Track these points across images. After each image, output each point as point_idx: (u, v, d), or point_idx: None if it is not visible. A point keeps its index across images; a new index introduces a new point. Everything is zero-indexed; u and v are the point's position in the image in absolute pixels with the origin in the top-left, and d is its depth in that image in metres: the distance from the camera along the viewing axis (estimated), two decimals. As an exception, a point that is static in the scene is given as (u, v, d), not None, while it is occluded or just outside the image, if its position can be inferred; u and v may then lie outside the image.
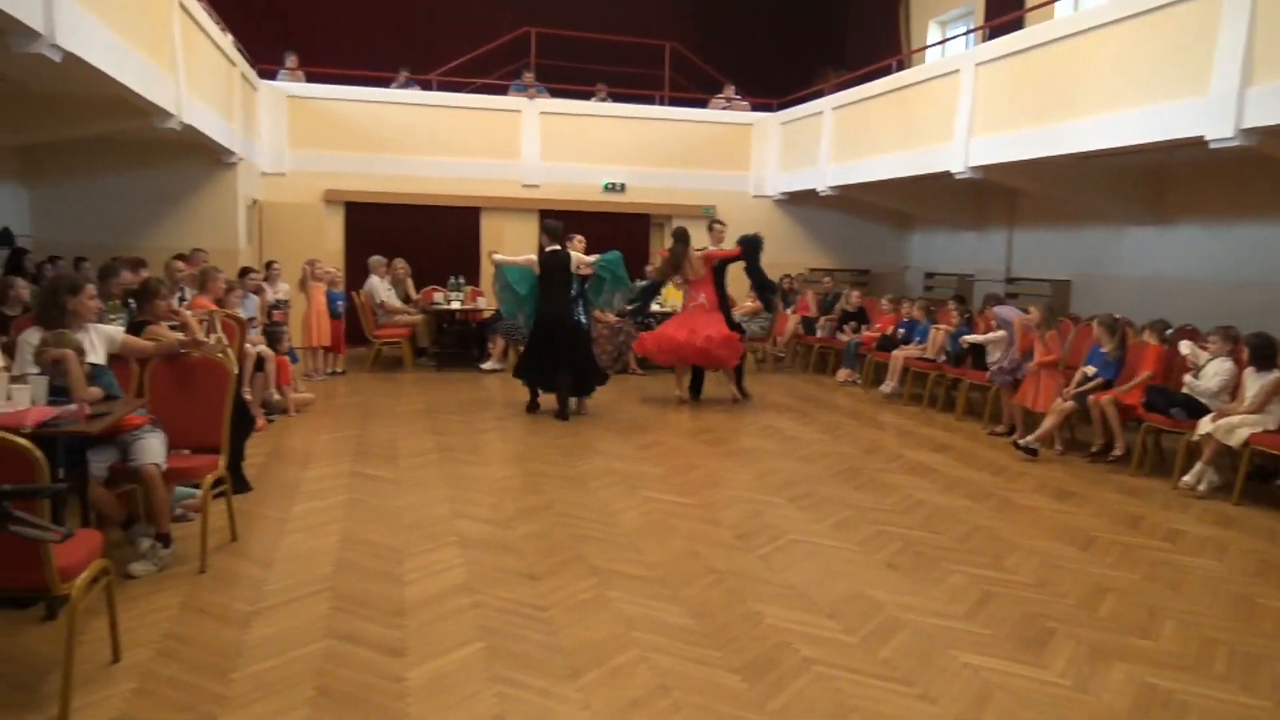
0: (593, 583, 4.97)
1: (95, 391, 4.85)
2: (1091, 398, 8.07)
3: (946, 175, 11.82)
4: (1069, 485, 7.35)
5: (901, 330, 11.75)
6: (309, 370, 11.82)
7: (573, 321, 9.52)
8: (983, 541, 5.88)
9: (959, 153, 11.39)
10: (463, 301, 12.97)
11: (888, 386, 11.17)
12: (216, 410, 5.36)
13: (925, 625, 4.58)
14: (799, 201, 16.42)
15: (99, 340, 5.19)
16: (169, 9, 9.01)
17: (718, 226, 10.82)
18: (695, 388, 10.82)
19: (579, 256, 9.69)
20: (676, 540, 5.71)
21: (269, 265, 11.97)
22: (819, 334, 13.46)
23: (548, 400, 10.00)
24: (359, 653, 4.12)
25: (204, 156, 12.32)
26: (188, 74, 9.66)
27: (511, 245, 15.75)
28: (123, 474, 4.96)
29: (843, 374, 12.43)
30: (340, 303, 12.13)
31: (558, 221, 10.01)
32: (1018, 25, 12.94)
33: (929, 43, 16.66)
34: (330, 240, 15.08)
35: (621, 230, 16.34)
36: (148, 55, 8.39)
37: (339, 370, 12.25)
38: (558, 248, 9.69)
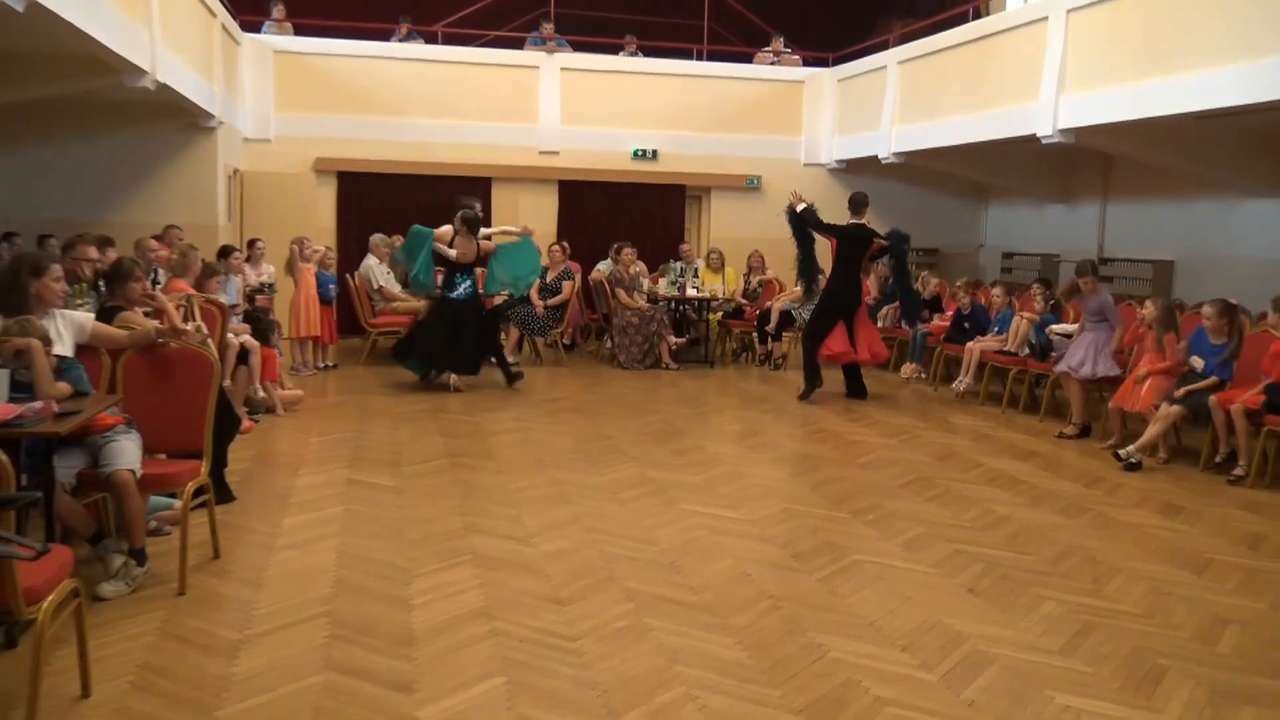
0: (628, 609, 4.93)
1: (63, 387, 4.85)
2: (1213, 399, 7.92)
3: (1031, 140, 11.69)
4: (1177, 499, 7.24)
5: (968, 318, 11.65)
6: (296, 364, 11.88)
7: (478, 305, 11.02)
8: (1079, 564, 5.79)
9: (1046, 113, 11.26)
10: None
11: (961, 383, 11.08)
12: (198, 409, 5.36)
13: (1015, 661, 4.51)
14: (857, 170, 16.32)
15: (66, 329, 5.19)
16: (141, -49, 9.05)
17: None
18: (856, 384, 11.15)
19: (485, 244, 11.00)
20: (723, 560, 5.67)
21: (252, 244, 12.02)
22: (880, 323, 13.35)
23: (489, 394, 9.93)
24: (362, 688, 4.09)
25: (180, 120, 12.40)
26: (163, 26, 9.70)
27: (527, 217, 15.78)
28: (92, 481, 4.95)
29: (908, 369, 12.34)
30: (331, 286, 12.16)
31: (474, 211, 11.07)
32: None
33: (1009, -14, 16.51)
34: (321, 215, 15.17)
35: (654, 203, 16.33)
36: (118, 5, 8.41)
37: (330, 364, 12.30)
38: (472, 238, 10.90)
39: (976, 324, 11.51)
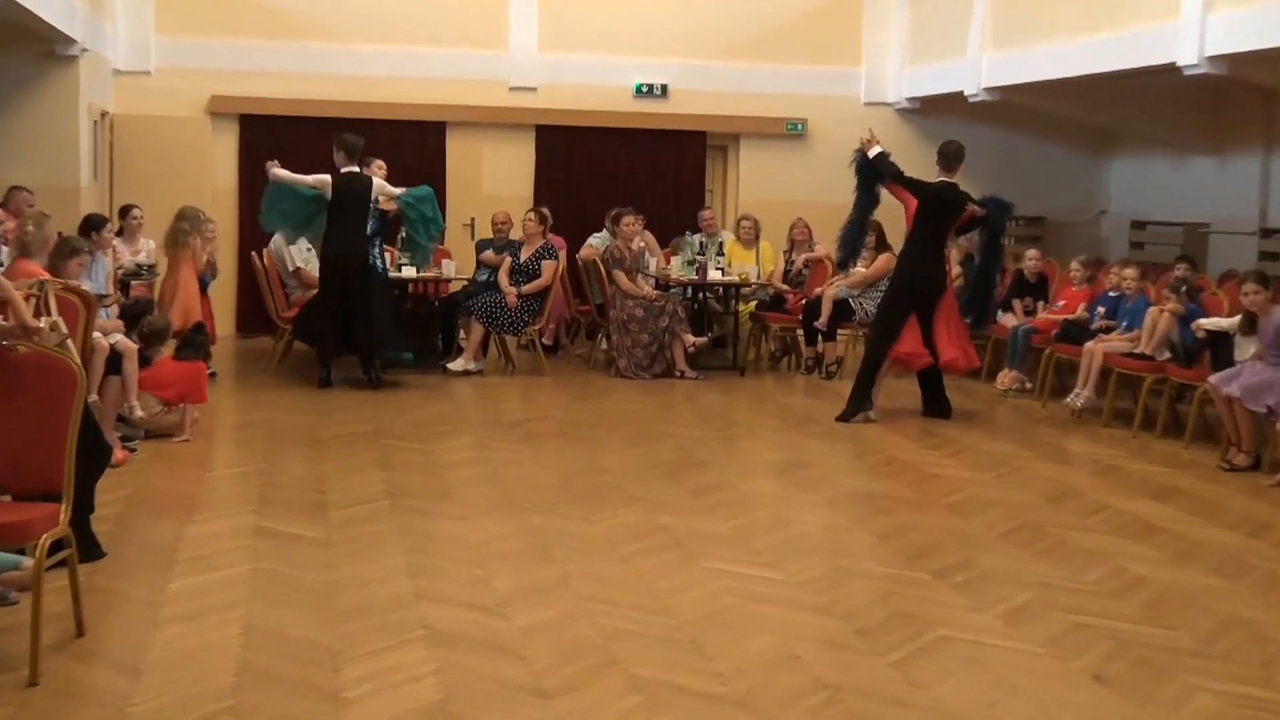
0: (635, 703, 4.92)
1: None
2: None
3: (1169, 71, 11.68)
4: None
5: (1100, 310, 11.63)
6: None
7: (368, 264, 11.54)
8: (1242, 642, 5.77)
9: (1189, 36, 11.24)
10: (421, 268, 12.95)
11: (1079, 397, 11.07)
12: (55, 435, 5.33)
13: (1159, 774, 4.48)
14: (935, 112, 16.32)
15: None
16: None
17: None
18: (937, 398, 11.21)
19: (381, 184, 11.86)
20: (762, 637, 5.65)
21: (126, 212, 12.03)
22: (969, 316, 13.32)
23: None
24: (278, 812, 4.07)
25: (28, 47, 12.40)
26: (5, -81, 9.71)
27: (492, 174, 15.79)
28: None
29: (1006, 377, 12.33)
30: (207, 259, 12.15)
31: (359, 138, 11.72)
32: None
33: None
34: (219, 172, 15.22)
35: (664, 156, 16.34)
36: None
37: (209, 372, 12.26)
38: (356, 170, 11.65)
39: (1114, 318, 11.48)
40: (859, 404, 10.73)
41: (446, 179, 15.72)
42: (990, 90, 14.58)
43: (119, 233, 11.82)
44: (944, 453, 9.66)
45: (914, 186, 10.86)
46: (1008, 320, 12.72)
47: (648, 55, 16.06)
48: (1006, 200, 11.11)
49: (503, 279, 12.91)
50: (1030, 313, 12.70)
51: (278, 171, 11.63)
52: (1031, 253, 13.28)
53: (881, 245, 13.39)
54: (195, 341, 10.14)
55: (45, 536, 5.12)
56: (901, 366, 11.00)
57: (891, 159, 10.93)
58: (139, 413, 9.17)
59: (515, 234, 13.71)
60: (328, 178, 11.53)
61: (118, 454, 8.20)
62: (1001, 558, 6.92)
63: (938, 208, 10.76)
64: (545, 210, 13.59)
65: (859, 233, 11.26)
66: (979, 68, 14.62)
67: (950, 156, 10.95)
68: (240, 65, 15.07)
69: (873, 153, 10.90)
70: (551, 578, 6.36)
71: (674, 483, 8.47)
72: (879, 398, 10.88)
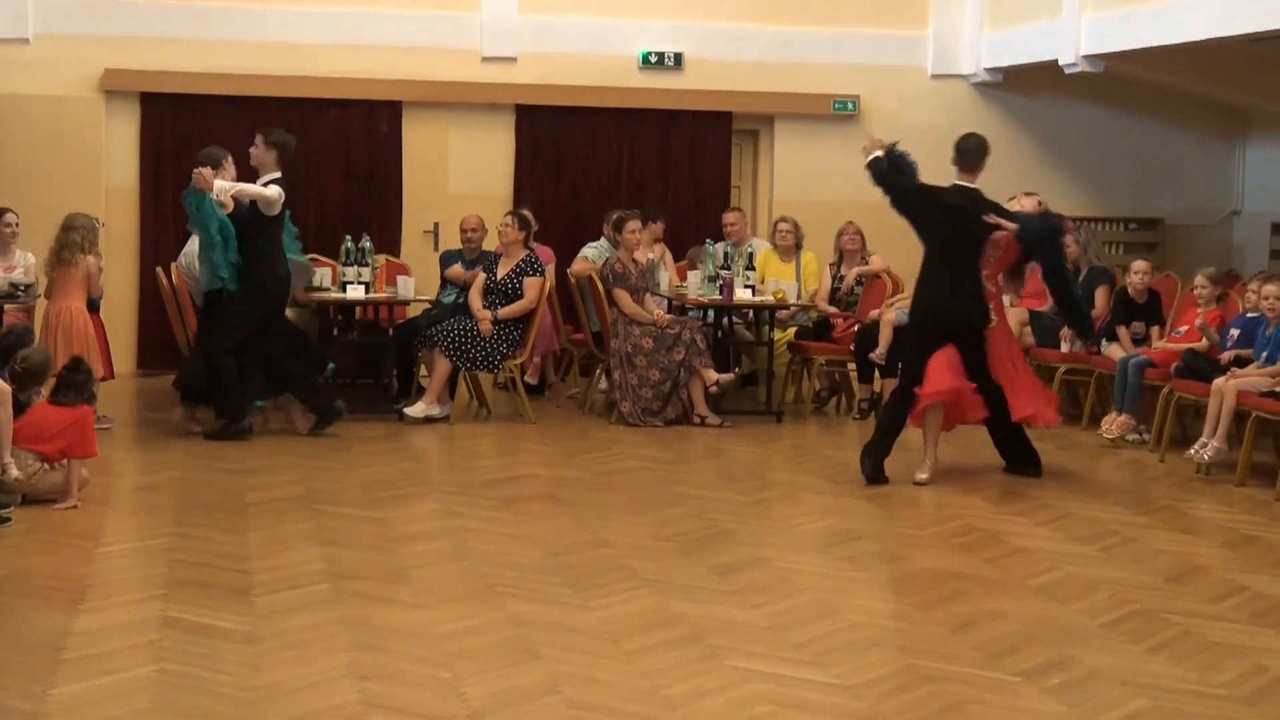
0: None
1: None
2: None
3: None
4: None
5: (1233, 335, 11.63)
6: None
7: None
8: None
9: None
10: (371, 286, 13.01)
11: (1206, 448, 11.08)
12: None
13: None
14: (1022, 86, 16.45)
15: None
16: None
17: None
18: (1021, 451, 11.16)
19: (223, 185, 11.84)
20: (805, 757, 5.64)
21: (-3, 217, 12.08)
22: (1065, 345, 13.35)
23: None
24: None
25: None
26: None
27: (461, 168, 15.82)
28: None
29: (1114, 423, 12.34)
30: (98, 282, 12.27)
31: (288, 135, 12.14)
32: None
33: None
34: (115, 164, 15.27)
35: (677, 143, 16.39)
36: None
37: (103, 418, 12.29)
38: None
39: (1234, 346, 11.49)
40: (878, 456, 10.68)
41: (403, 173, 15.82)
42: (1091, 59, 14.61)
43: (-10, 243, 11.92)
44: (1034, 520, 9.62)
45: (923, 196, 10.70)
46: (1113, 351, 12.71)
47: (657, 16, 16.20)
48: (1057, 217, 11.09)
49: (474, 300, 12.97)
50: (1141, 341, 12.68)
51: (223, 184, 11.63)
52: (1138, 265, 13.18)
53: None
54: (75, 381, 9.88)
55: (-104, 631, 5.16)
56: (954, 420, 10.88)
57: (899, 153, 10.78)
58: (13, 473, 9.19)
59: (490, 244, 13.74)
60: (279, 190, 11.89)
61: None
62: (1108, 654, 6.87)
63: (948, 220, 10.62)
64: (527, 213, 13.66)
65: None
66: (1077, 30, 14.64)
67: (970, 154, 10.77)
68: (142, 31, 15.20)
69: (875, 155, 10.80)
70: (536, 681, 6.32)
71: (692, 559, 8.44)
72: (933, 454, 10.79)
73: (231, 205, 11.56)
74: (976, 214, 10.55)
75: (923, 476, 10.62)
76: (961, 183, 10.69)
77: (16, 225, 12.03)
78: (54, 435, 9.39)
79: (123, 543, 8.69)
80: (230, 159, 11.97)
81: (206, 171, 11.50)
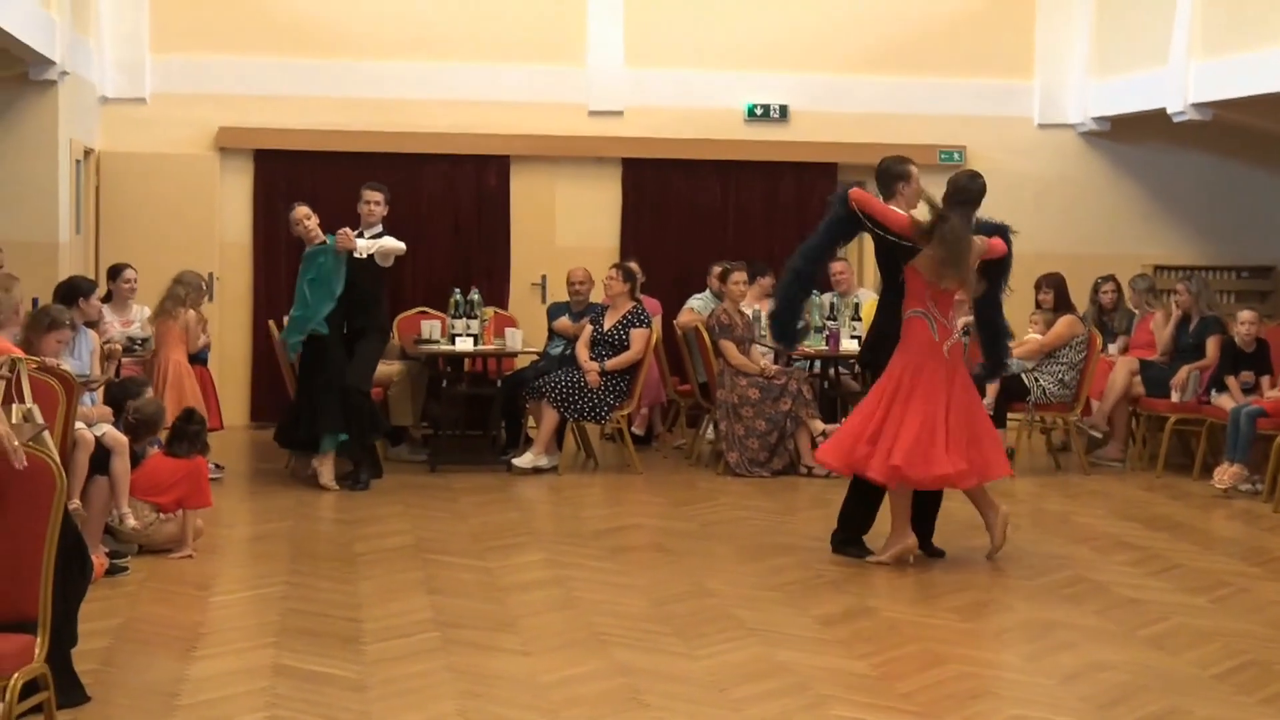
0: None
1: None
2: None
3: None
4: None
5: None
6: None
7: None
8: None
9: None
10: (478, 339, 13.11)
11: (1322, 500, 10.94)
12: (29, 551, 5.43)
13: None
14: (1130, 135, 16.33)
15: None
16: None
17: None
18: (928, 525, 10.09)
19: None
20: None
21: (117, 273, 12.26)
22: (1176, 395, 13.24)
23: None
24: None
25: (-1, 71, 12.73)
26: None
27: (569, 221, 15.88)
28: None
29: (1226, 473, 12.19)
30: (201, 338, 12.48)
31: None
32: None
33: None
34: (229, 220, 15.48)
35: (783, 194, 16.38)
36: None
37: (215, 466, 12.44)
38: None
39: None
40: (851, 530, 9.85)
41: (511, 226, 15.89)
42: (1200, 107, 14.47)
43: (107, 298, 12.09)
44: (1144, 570, 9.54)
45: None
46: (1224, 401, 12.58)
47: (762, 69, 16.19)
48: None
49: (582, 352, 13.03)
50: (1251, 390, 12.55)
51: (364, 243, 12.12)
52: (1245, 315, 12.98)
53: (1062, 304, 13.37)
54: (188, 432, 10.03)
55: (17, 675, 5.20)
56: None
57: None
58: (131, 522, 9.33)
59: (597, 296, 13.81)
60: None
61: (97, 562, 8.28)
62: (1218, 705, 6.78)
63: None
64: (634, 266, 13.71)
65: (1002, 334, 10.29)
66: (1185, 78, 14.52)
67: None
68: (255, 90, 15.40)
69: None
70: (641, 730, 6.37)
71: (797, 608, 8.43)
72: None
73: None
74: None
75: (879, 558, 9.61)
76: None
77: (135, 281, 12.22)
78: (170, 486, 9.51)
79: (236, 591, 8.81)
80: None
81: (349, 232, 11.90)
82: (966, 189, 9.93)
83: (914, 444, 9.18)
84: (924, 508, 9.78)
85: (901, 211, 9.58)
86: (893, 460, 9.15)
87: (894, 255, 9.66)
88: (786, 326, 10.23)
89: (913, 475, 9.24)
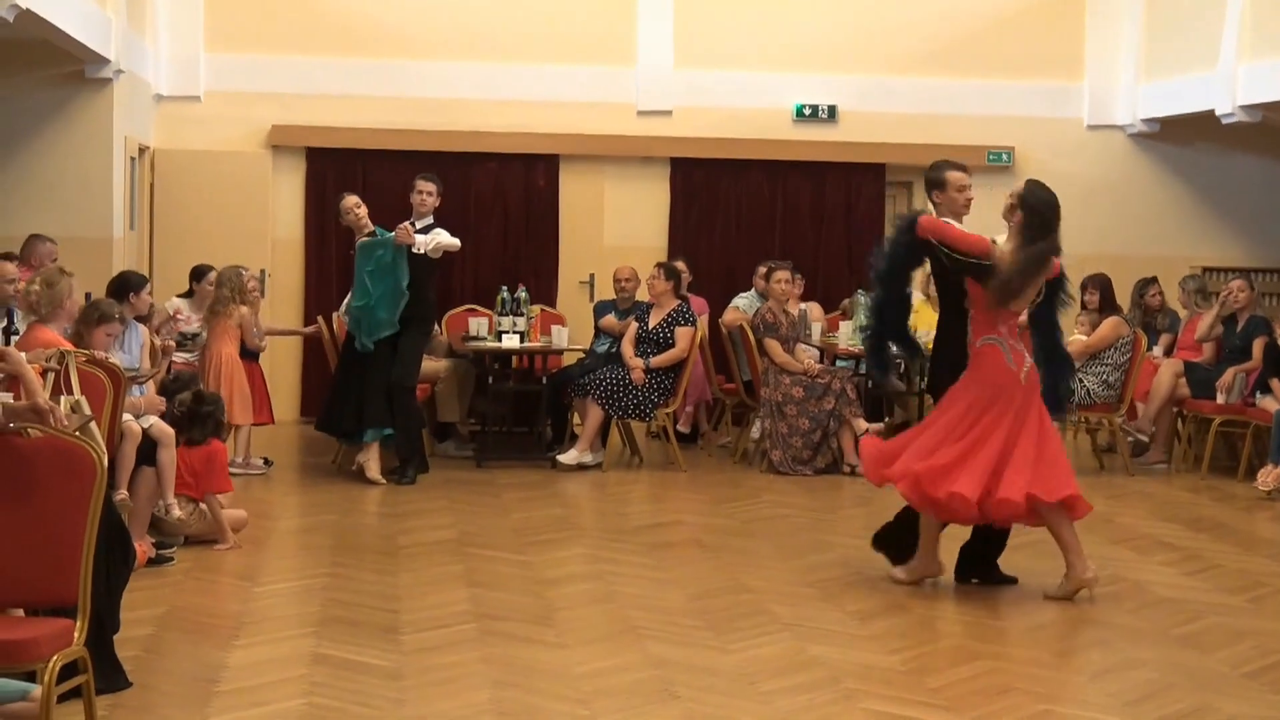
0: None
1: None
2: None
3: None
4: None
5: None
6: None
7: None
8: None
9: None
10: (525, 336, 13.19)
11: (1363, 501, 10.90)
12: (71, 538, 5.50)
13: None
14: (1180, 136, 16.29)
15: None
16: None
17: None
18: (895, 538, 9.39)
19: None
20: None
21: (201, 275, 12.44)
22: (1221, 397, 13.19)
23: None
24: None
25: (53, 69, 12.84)
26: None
27: (617, 220, 15.93)
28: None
29: (1270, 475, 12.14)
30: (254, 331, 12.58)
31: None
32: None
33: None
34: (281, 217, 15.65)
35: (831, 195, 16.39)
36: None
37: (264, 460, 12.67)
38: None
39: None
40: (895, 542, 9.20)
41: (560, 225, 15.98)
42: (1248, 109, 14.42)
43: (188, 294, 12.35)
44: (1182, 570, 9.54)
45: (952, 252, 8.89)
46: (1268, 403, 12.51)
47: (811, 70, 16.24)
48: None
49: (627, 349, 13.10)
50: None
51: (423, 239, 12.15)
52: None
53: (1107, 306, 13.36)
54: (200, 413, 9.76)
55: (56, 658, 5.26)
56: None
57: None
58: (176, 513, 9.44)
59: (643, 294, 13.88)
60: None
61: (140, 555, 8.36)
62: (1250, 703, 6.79)
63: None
64: (679, 264, 13.78)
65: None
66: (1234, 80, 14.46)
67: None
68: (307, 88, 15.55)
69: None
70: (672, 719, 6.43)
71: (833, 604, 8.48)
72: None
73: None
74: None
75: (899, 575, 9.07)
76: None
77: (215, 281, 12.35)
78: (193, 475, 9.56)
79: (278, 582, 8.89)
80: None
81: (409, 226, 11.98)
82: (1054, 205, 9.03)
83: (950, 464, 8.54)
84: (990, 538, 9.07)
85: (973, 233, 8.91)
86: (915, 467, 8.66)
87: (958, 278, 8.94)
88: (879, 361, 10.05)
89: (929, 490, 8.56)
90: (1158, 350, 14.11)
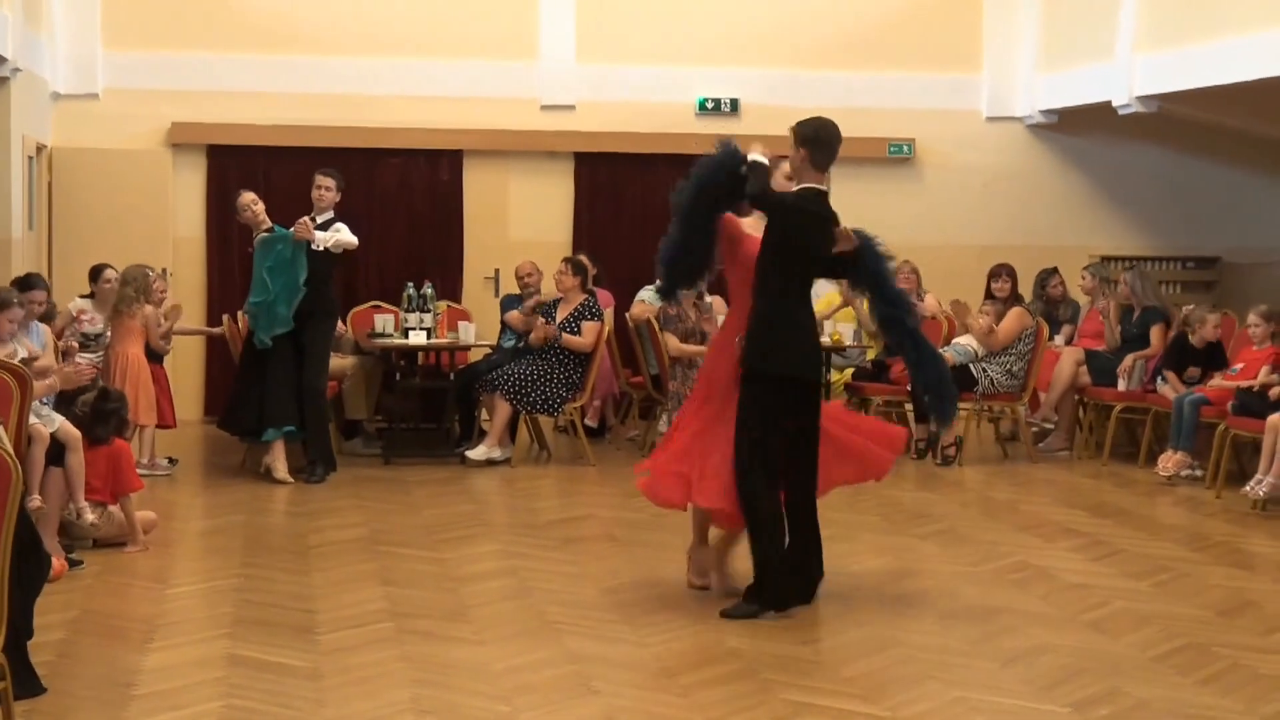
0: None
1: None
2: None
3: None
4: None
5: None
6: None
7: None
8: None
9: None
10: (432, 332, 13.18)
11: (1261, 484, 11.07)
12: (-18, 544, 5.48)
13: None
14: (1077, 127, 16.48)
15: None
16: None
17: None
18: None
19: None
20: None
21: (97, 273, 12.31)
22: (1122, 384, 13.37)
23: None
24: None
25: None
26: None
27: (521, 215, 15.94)
28: None
29: (1170, 460, 12.32)
30: (158, 330, 12.46)
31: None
32: None
33: None
34: (181, 215, 15.53)
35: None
36: None
37: (169, 459, 12.59)
38: None
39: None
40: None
41: (465, 221, 15.96)
42: (1145, 99, 14.60)
43: (89, 296, 12.23)
44: (1088, 556, 9.67)
45: (774, 207, 8.58)
46: (1168, 390, 12.69)
47: (713, 64, 16.28)
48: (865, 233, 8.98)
49: (520, 319, 13.52)
50: (1194, 381, 12.68)
51: (323, 235, 12.10)
52: (1211, 318, 12.93)
53: (1015, 296, 13.51)
54: (105, 410, 9.61)
55: (-28, 667, 5.28)
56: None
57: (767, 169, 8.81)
58: (89, 517, 9.35)
59: (547, 288, 13.89)
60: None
61: (56, 564, 8.31)
62: (1157, 686, 6.90)
63: (798, 233, 8.56)
64: (583, 258, 13.79)
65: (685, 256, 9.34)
66: (1130, 72, 14.62)
67: (814, 144, 8.86)
68: (207, 85, 15.43)
69: (753, 157, 8.82)
70: (592, 715, 6.43)
71: (747, 597, 8.51)
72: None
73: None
74: (824, 218, 8.74)
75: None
76: (810, 183, 8.87)
77: (115, 280, 12.19)
78: (101, 479, 9.46)
79: (190, 584, 8.86)
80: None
81: (308, 221, 11.93)
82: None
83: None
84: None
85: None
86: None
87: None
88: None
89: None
90: (1059, 340, 14.26)
